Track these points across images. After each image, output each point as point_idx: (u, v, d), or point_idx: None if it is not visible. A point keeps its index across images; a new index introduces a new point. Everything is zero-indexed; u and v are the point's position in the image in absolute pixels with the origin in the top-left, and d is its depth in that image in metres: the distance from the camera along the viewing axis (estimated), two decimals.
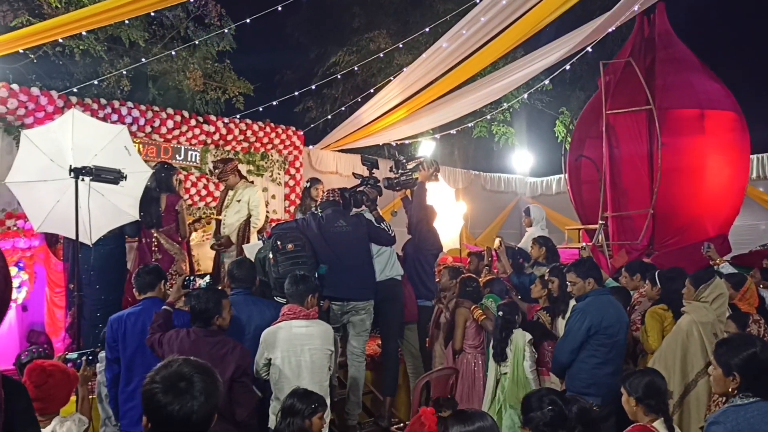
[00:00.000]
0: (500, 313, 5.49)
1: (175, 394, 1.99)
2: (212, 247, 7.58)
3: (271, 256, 5.50)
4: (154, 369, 2.08)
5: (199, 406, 1.99)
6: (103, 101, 8.99)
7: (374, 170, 6.73)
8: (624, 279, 6.24)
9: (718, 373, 2.95)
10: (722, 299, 4.66)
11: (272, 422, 4.28)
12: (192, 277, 4.57)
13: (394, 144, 12.49)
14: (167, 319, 4.28)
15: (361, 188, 6.46)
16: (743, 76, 15.48)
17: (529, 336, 5.37)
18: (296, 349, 4.33)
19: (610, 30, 9.08)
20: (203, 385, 2.02)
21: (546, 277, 5.92)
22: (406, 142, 13.35)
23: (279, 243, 5.50)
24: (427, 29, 9.95)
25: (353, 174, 7.04)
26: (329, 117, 12.65)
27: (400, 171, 6.91)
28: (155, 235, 6.49)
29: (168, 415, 1.98)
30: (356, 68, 12.01)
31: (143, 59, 10.15)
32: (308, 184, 8.23)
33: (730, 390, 2.88)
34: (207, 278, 4.57)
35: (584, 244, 8.34)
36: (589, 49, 9.28)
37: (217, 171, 7.60)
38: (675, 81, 8.95)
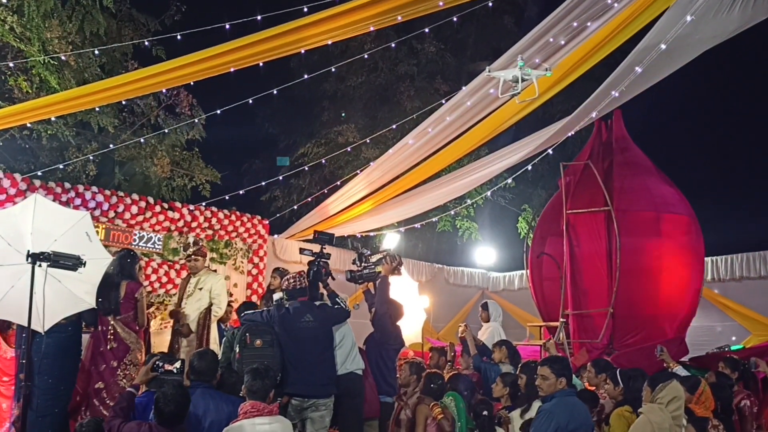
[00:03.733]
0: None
1: None
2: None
3: (237, 350, 5.39)
4: None
5: None
6: (67, 185, 8.94)
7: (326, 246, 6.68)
8: (589, 374, 6.23)
9: None
10: (678, 402, 4.66)
11: None
12: (161, 362, 4.48)
13: (358, 236, 12.60)
14: (130, 402, 4.23)
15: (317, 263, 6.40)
16: (696, 181, 16.13)
17: None
18: None
19: (569, 134, 9.46)
20: None
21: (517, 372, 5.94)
22: (371, 234, 13.46)
23: (248, 337, 5.41)
24: (394, 126, 10.26)
25: (300, 250, 6.96)
26: (295, 207, 12.74)
27: (363, 264, 6.92)
28: (112, 323, 6.33)
29: None
30: (324, 161, 12.22)
31: (111, 145, 10.19)
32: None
33: None
34: (178, 364, 4.48)
35: (545, 340, 8.38)
36: (549, 150, 9.62)
37: (193, 248, 7.51)
38: (632, 184, 9.28)
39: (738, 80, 18.25)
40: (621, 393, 5.54)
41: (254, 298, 10.72)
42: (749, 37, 8.25)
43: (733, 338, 11.15)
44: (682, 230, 9.09)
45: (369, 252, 7.13)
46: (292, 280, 6.00)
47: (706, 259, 9.99)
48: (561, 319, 9.05)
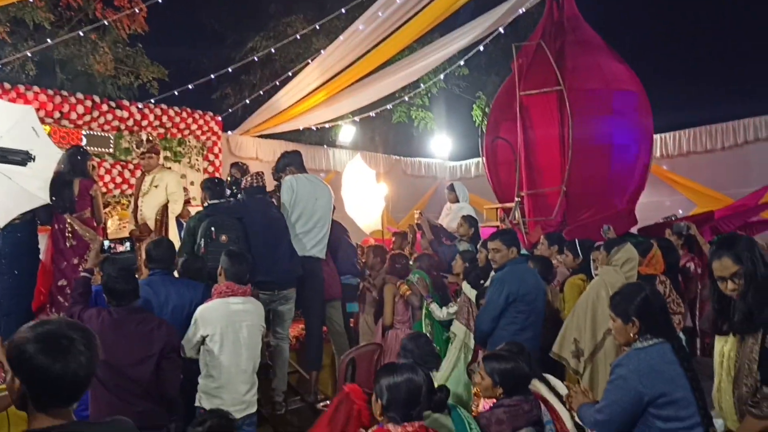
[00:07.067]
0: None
1: (54, 351, 1.83)
2: (131, 234, 7.41)
3: (202, 244, 5.41)
4: (26, 327, 1.90)
5: (77, 370, 1.85)
6: (7, 86, 8.60)
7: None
8: (542, 247, 6.50)
9: (619, 324, 3.09)
10: (632, 263, 4.88)
11: (201, 401, 4.26)
12: (111, 243, 4.48)
13: (314, 128, 12.47)
14: (87, 287, 4.21)
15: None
16: (646, 58, 16.21)
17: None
18: (235, 326, 4.31)
19: (519, 12, 9.33)
20: (84, 347, 1.88)
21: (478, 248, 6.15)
22: (327, 125, 13.35)
23: (213, 231, 5.41)
24: (343, 10, 9.93)
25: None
26: (247, 101, 12.49)
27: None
28: (69, 220, 6.27)
29: (42, 374, 1.82)
30: (273, 50, 11.88)
31: (49, 40, 9.71)
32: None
33: (631, 336, 3.04)
34: (128, 244, 4.49)
35: (503, 216, 8.63)
36: (501, 30, 9.52)
37: (147, 145, 7.41)
38: (583, 62, 9.29)
39: None
40: (577, 262, 5.79)
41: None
42: None
43: (680, 211, 11.53)
44: (632, 106, 9.20)
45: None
46: (250, 179, 6.04)
47: (655, 136, 10.18)
48: (516, 199, 9.27)
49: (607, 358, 4.34)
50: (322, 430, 3.37)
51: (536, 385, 3.66)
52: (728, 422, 3.06)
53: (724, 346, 3.04)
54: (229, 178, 7.57)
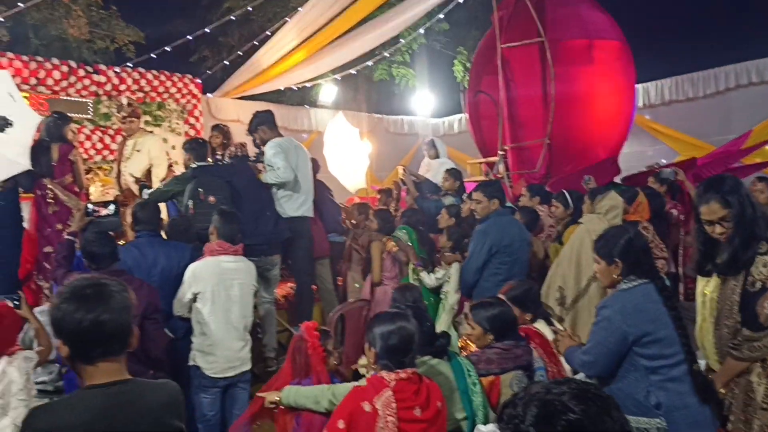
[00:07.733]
0: None
1: (80, 301, 1.86)
2: (116, 199, 7.38)
3: (191, 204, 5.40)
4: (60, 289, 1.96)
5: (110, 314, 1.87)
6: None
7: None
8: (524, 199, 6.56)
9: (602, 265, 3.11)
10: (616, 210, 4.93)
11: (196, 359, 4.31)
12: (94, 206, 4.49)
13: (295, 88, 12.31)
14: (71, 251, 4.22)
15: None
16: (627, 7, 16.07)
17: None
18: (226, 283, 4.35)
19: None
20: (113, 292, 1.91)
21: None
22: (308, 85, 13.21)
23: (202, 192, 5.40)
24: None
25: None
26: (227, 63, 12.31)
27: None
28: (50, 186, 6.22)
29: (77, 326, 1.83)
30: (250, 8, 11.66)
31: (21, 4, 9.46)
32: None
33: (615, 277, 3.07)
34: (112, 207, 4.49)
35: (488, 170, 8.65)
36: None
37: (128, 109, 7.33)
38: (564, 13, 9.22)
39: None
40: (570, 214, 5.83)
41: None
42: None
43: (663, 160, 11.61)
44: (613, 56, 9.18)
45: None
46: (234, 149, 6.30)
47: (637, 86, 10.17)
48: (500, 153, 9.27)
49: (591, 304, 4.41)
50: (286, 373, 3.41)
51: (541, 327, 3.72)
52: (710, 361, 3.14)
53: (705, 287, 3.09)
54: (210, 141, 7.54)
